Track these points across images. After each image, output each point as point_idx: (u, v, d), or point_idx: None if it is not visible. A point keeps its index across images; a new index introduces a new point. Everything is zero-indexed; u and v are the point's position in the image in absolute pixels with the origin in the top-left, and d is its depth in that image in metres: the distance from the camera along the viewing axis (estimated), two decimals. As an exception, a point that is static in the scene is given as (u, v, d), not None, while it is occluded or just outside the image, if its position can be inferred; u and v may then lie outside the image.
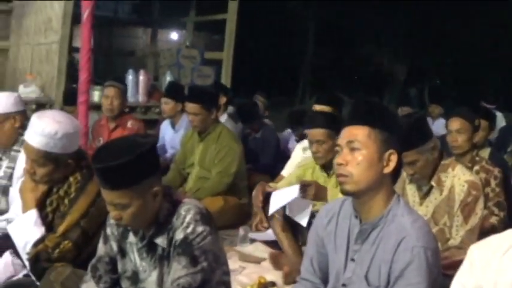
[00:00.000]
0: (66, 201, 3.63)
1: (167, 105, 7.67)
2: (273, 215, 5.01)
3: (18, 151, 4.44)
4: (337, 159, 2.79)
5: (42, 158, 3.60)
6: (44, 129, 3.57)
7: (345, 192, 2.79)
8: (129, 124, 6.91)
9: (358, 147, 2.74)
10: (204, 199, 5.81)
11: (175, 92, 7.87)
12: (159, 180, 2.91)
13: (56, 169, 3.65)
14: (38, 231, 3.64)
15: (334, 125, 4.97)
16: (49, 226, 3.68)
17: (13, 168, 4.48)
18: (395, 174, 2.82)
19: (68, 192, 3.65)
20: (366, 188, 2.73)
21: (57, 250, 3.52)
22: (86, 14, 5.91)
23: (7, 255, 3.87)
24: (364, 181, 2.72)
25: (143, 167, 2.79)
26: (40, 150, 3.59)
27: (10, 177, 4.47)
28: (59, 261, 3.51)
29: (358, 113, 2.80)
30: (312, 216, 4.73)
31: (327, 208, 3.07)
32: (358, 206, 2.83)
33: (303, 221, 4.87)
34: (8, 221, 4.17)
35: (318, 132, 5.06)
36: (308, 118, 5.32)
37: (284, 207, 4.95)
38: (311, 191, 4.74)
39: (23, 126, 4.42)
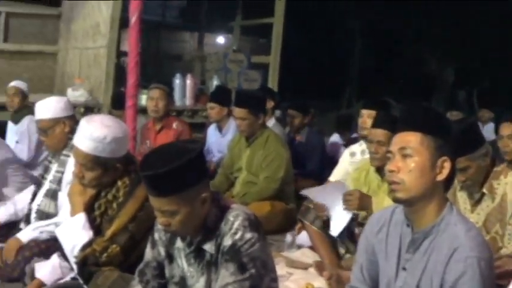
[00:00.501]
0: (114, 205, 3.66)
1: (213, 110, 7.69)
2: (309, 225, 5.08)
3: (68, 156, 4.46)
4: (389, 166, 2.75)
5: (91, 162, 3.63)
6: (93, 133, 3.60)
7: (396, 200, 2.73)
8: (175, 125, 6.98)
9: (411, 154, 2.69)
10: (251, 204, 5.82)
11: (221, 96, 7.89)
12: (208, 186, 2.89)
13: (105, 173, 3.68)
14: (86, 234, 3.67)
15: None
16: (97, 230, 3.71)
17: (62, 173, 4.49)
18: (448, 181, 2.77)
19: (117, 196, 3.67)
20: (418, 195, 2.68)
21: (104, 254, 3.55)
22: (134, 18, 5.91)
23: (55, 257, 3.93)
24: (416, 189, 2.67)
25: (191, 173, 2.78)
26: (89, 154, 3.62)
27: (59, 181, 4.48)
28: (106, 265, 3.54)
29: (411, 119, 2.74)
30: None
31: (377, 215, 3.02)
32: (409, 214, 2.77)
33: (335, 231, 4.88)
34: (56, 225, 4.22)
35: (380, 133, 4.94)
36: (375, 117, 5.17)
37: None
38: (354, 201, 4.68)
39: (73, 131, 4.41)
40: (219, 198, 2.98)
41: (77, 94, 9.80)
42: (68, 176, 4.36)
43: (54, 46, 12.36)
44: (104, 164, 3.64)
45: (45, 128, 4.54)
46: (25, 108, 7.34)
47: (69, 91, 10.00)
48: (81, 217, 3.71)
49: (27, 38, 12.23)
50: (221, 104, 7.68)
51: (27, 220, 4.67)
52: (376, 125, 5.03)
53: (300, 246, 5.56)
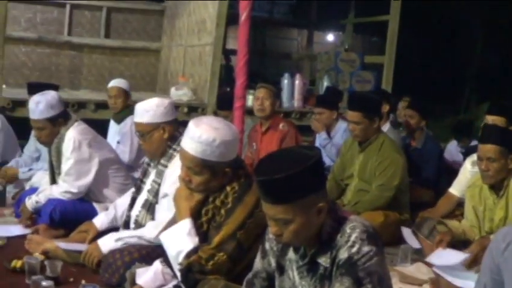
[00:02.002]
0: (222, 211, 3.63)
1: (322, 115, 7.72)
2: (423, 239, 5.06)
3: (165, 166, 4.47)
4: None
5: (199, 165, 3.61)
6: (201, 136, 3.58)
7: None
8: (281, 126, 7.00)
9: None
10: (363, 213, 5.75)
11: (329, 99, 7.91)
12: (325, 196, 2.86)
13: (213, 178, 3.65)
14: (192, 241, 3.66)
15: (509, 142, 4.82)
16: (203, 237, 3.69)
17: (159, 185, 4.48)
18: None
19: (225, 202, 3.64)
20: None
21: (211, 262, 3.53)
22: (243, 16, 5.86)
23: (157, 263, 3.92)
24: None
25: (309, 180, 2.74)
26: (196, 157, 3.60)
27: (156, 193, 4.49)
28: (212, 273, 3.52)
29: None
30: None
31: (503, 232, 2.96)
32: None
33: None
34: (139, 238, 4.40)
35: (489, 149, 4.85)
36: (482, 131, 5.07)
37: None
38: (474, 264, 4.61)
39: (173, 138, 4.51)
40: (336, 209, 2.94)
41: (181, 93, 9.97)
42: (165, 188, 4.38)
43: (157, 43, 12.73)
44: (212, 168, 3.60)
45: (142, 132, 4.53)
46: (128, 108, 7.35)
47: (173, 90, 10.18)
48: (187, 223, 3.71)
49: (129, 34, 12.76)
50: (330, 109, 7.68)
51: (125, 226, 4.75)
52: (484, 139, 4.93)
53: (414, 260, 5.45)
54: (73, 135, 5.49)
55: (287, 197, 2.73)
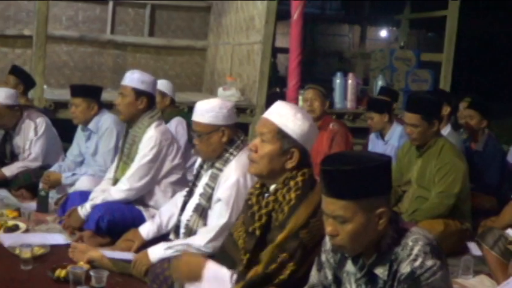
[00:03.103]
0: (285, 208, 3.56)
1: (372, 120, 7.71)
2: (488, 250, 4.97)
3: (221, 170, 4.49)
4: None
5: (273, 132, 3.65)
6: (292, 110, 3.67)
7: None
8: (331, 125, 7.03)
9: None
10: (421, 222, 5.70)
11: (377, 103, 7.88)
12: (388, 203, 2.86)
13: (279, 153, 3.65)
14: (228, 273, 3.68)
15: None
16: (262, 233, 3.65)
17: (213, 189, 4.50)
18: None
19: (287, 199, 3.59)
20: None
21: (273, 265, 3.47)
22: (296, 14, 5.89)
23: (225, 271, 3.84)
24: None
25: (376, 181, 2.78)
26: (275, 124, 3.65)
27: (209, 198, 4.50)
28: (275, 276, 3.45)
29: None
30: None
31: None
32: None
33: None
34: (188, 246, 4.38)
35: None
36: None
37: None
38: None
39: (231, 141, 4.53)
40: (397, 220, 2.94)
41: (228, 94, 9.99)
42: (219, 193, 4.39)
43: (203, 41, 12.84)
44: (282, 141, 3.65)
45: (201, 132, 4.55)
46: (172, 109, 7.52)
47: (220, 90, 10.24)
48: (226, 272, 3.70)
49: (174, 32, 12.93)
50: (380, 112, 7.66)
51: (176, 232, 4.79)
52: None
53: (477, 272, 5.41)
54: (155, 134, 5.61)
55: (350, 192, 2.76)
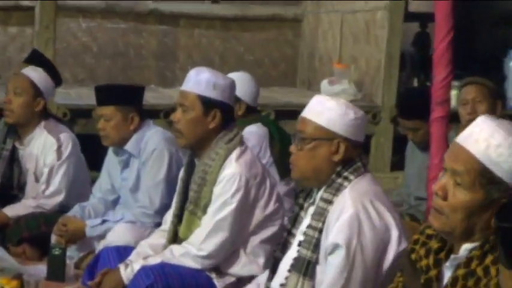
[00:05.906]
0: None
1: None
2: None
3: (330, 202, 4.17)
4: None
5: None
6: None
7: None
8: None
9: None
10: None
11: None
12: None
13: None
14: None
15: None
16: None
17: (320, 231, 4.18)
18: None
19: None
20: None
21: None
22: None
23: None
24: None
25: None
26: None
27: (316, 245, 4.14)
28: None
29: None
30: None
31: None
32: None
33: None
34: None
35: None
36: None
37: None
38: None
39: (348, 162, 4.16)
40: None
41: (338, 89, 9.43)
42: (332, 236, 3.96)
43: (296, 7, 11.98)
44: None
45: (306, 135, 4.20)
46: (249, 117, 6.78)
47: (324, 84, 9.72)
48: None
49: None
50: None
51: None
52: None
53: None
54: (238, 169, 5.06)
55: None
